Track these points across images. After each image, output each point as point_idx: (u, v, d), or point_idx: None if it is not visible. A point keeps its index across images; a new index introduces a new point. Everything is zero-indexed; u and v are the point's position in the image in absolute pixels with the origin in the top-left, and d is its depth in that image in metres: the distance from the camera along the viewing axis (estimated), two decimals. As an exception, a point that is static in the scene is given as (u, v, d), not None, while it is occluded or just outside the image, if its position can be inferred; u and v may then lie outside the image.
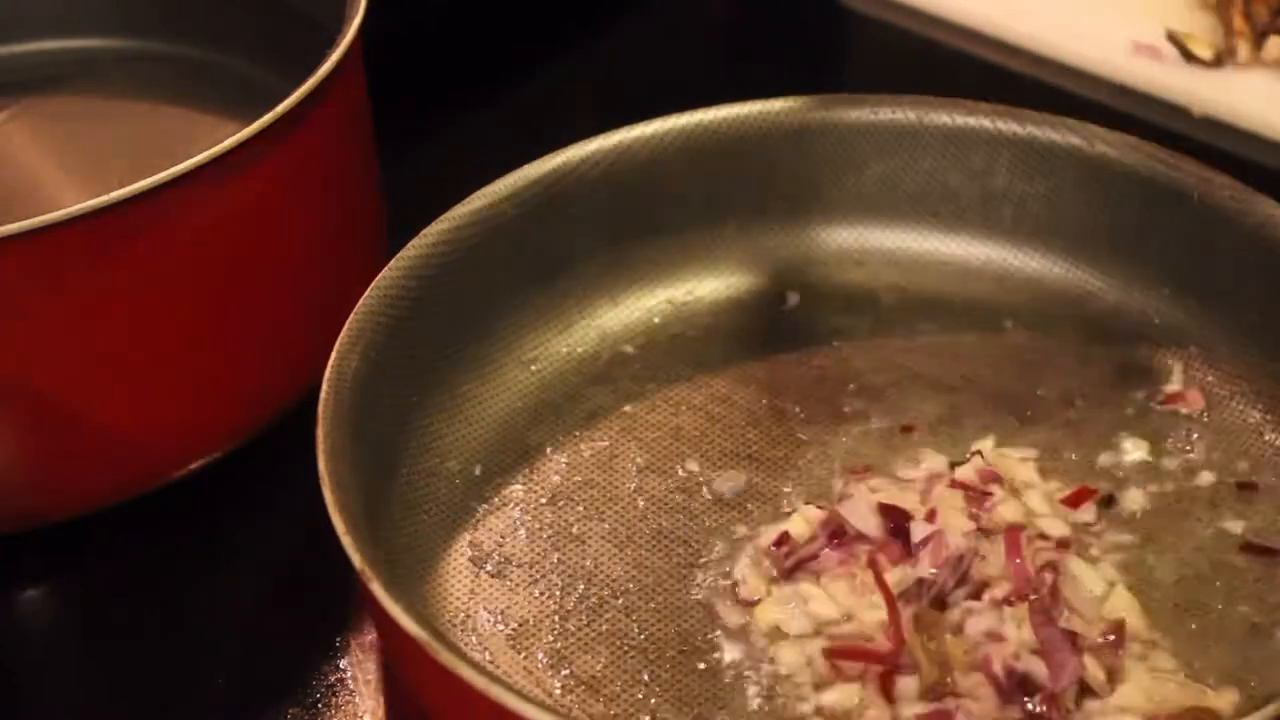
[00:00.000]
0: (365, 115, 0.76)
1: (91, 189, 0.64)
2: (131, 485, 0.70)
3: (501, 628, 0.63)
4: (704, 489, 0.69)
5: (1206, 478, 0.68)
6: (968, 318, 0.76)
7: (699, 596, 0.64)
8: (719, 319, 0.76)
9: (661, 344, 0.75)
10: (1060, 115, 0.75)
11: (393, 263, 0.69)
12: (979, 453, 0.68)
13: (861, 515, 0.65)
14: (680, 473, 0.69)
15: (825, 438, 0.70)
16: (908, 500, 0.65)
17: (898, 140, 0.77)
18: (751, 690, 0.61)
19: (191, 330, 0.68)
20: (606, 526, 0.67)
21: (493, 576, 0.65)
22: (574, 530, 0.67)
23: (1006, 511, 0.65)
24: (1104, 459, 0.69)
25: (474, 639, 0.63)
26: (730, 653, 0.62)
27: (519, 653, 0.63)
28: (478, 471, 0.69)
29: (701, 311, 0.77)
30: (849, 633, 0.62)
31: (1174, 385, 0.71)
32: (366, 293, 0.67)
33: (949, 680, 0.59)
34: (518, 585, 0.65)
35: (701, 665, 0.62)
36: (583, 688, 0.61)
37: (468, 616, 0.64)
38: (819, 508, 0.66)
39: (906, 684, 0.60)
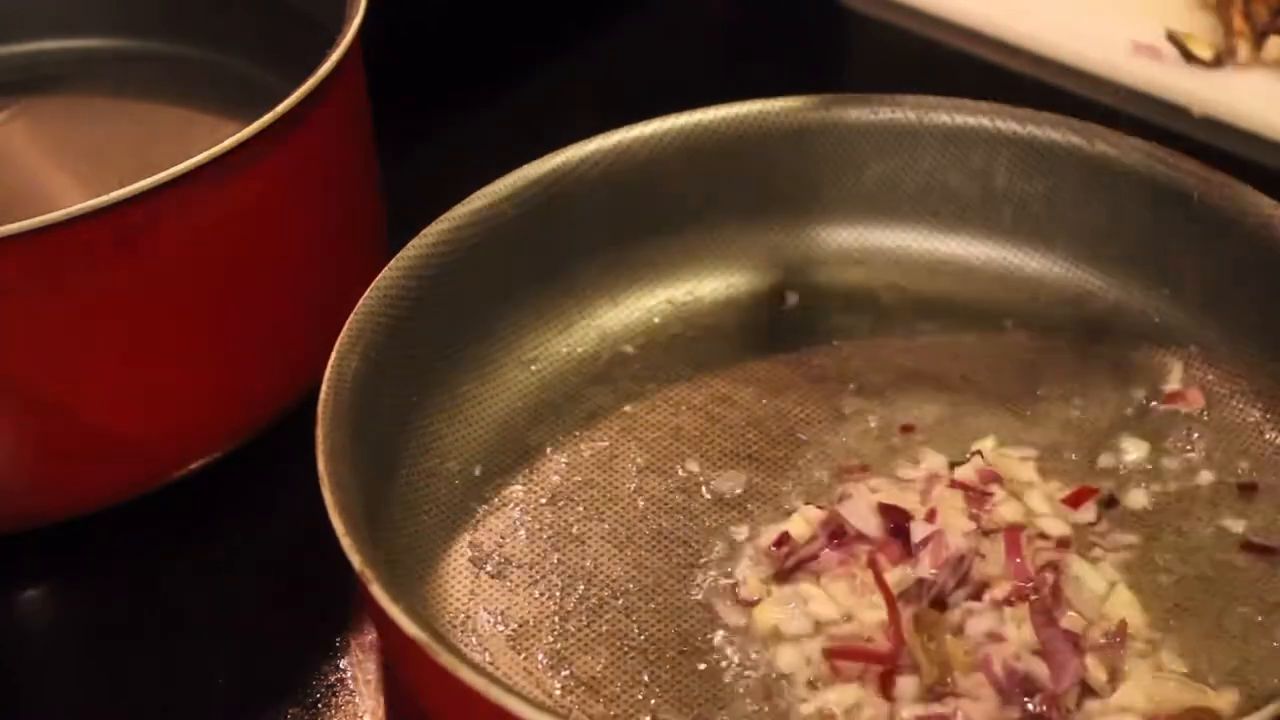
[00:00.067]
0: (365, 115, 0.76)
1: (91, 189, 0.64)
2: (131, 485, 0.70)
3: (501, 628, 0.63)
4: (704, 489, 0.69)
5: (1206, 477, 0.68)
6: (968, 318, 0.76)
7: (699, 596, 0.64)
8: (719, 319, 0.76)
9: (661, 344, 0.75)
10: (1060, 115, 0.75)
11: (393, 263, 0.69)
12: (979, 453, 0.68)
13: (861, 515, 0.65)
14: (680, 473, 0.69)
15: (825, 438, 0.70)
16: (908, 500, 0.65)
17: (898, 140, 0.77)
18: (751, 690, 0.61)
19: (191, 330, 0.68)
20: (606, 527, 0.67)
21: (493, 577, 0.65)
22: (574, 530, 0.67)
23: (1006, 511, 0.65)
24: (1104, 459, 0.69)
25: (474, 640, 0.63)
26: (730, 653, 0.62)
27: (519, 653, 0.63)
28: (478, 472, 0.69)
29: (701, 311, 0.77)
30: (848, 633, 0.62)
31: (1174, 385, 0.71)
32: (366, 293, 0.67)
33: (949, 681, 0.59)
34: (518, 586, 0.65)
35: (701, 666, 0.62)
36: (583, 688, 0.61)
37: (468, 617, 0.64)
38: (819, 508, 0.66)
39: (906, 684, 0.60)
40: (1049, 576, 0.62)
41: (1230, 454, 0.69)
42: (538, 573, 0.66)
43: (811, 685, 0.61)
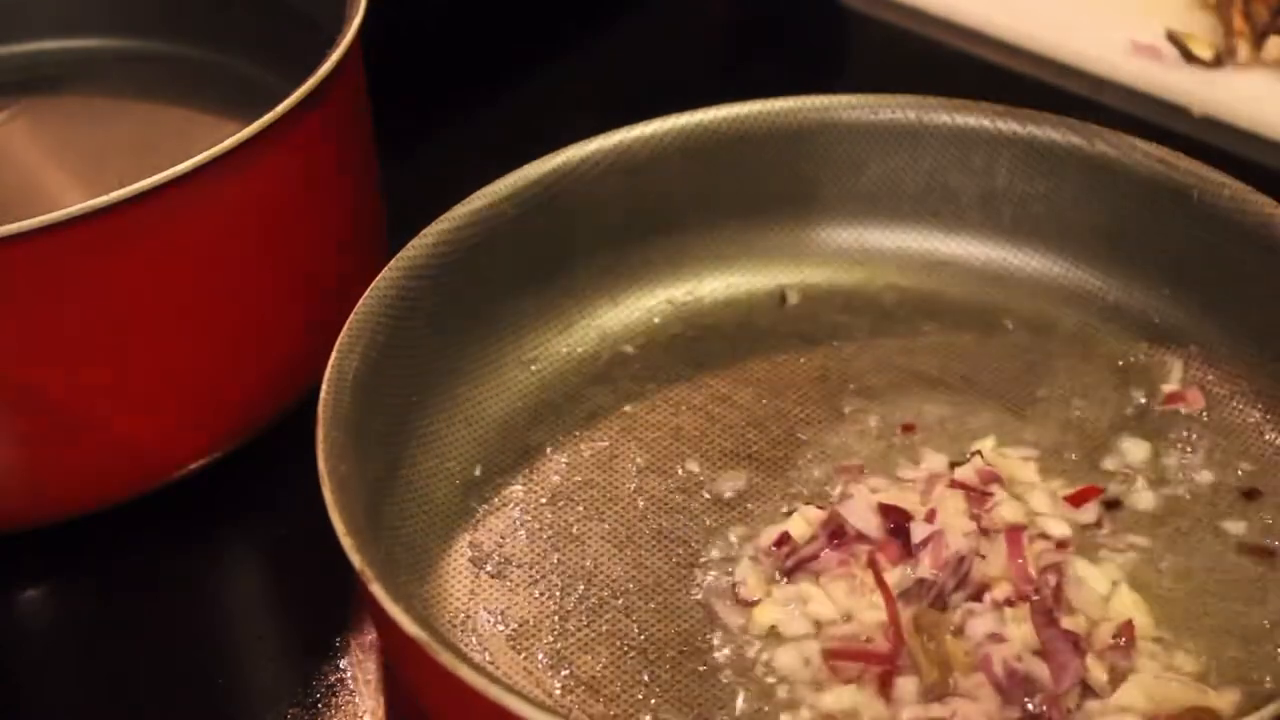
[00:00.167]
0: (365, 115, 0.76)
1: (91, 189, 0.64)
2: (131, 485, 0.70)
3: (501, 628, 0.63)
4: (704, 489, 0.69)
5: (1207, 478, 0.68)
6: (968, 318, 0.76)
7: (699, 596, 0.64)
8: (719, 319, 0.76)
9: (661, 344, 0.75)
10: (1060, 115, 0.75)
11: (393, 263, 0.69)
12: (979, 453, 0.68)
13: (861, 515, 0.65)
14: (680, 473, 0.69)
15: (825, 438, 0.70)
16: (908, 500, 0.65)
17: (898, 140, 0.77)
18: (751, 691, 0.61)
19: (191, 330, 0.68)
20: (606, 526, 0.67)
21: (493, 577, 0.65)
22: (574, 530, 0.67)
23: (1007, 512, 0.65)
24: (1104, 459, 0.69)
25: (474, 639, 0.63)
26: (730, 653, 0.62)
27: (519, 653, 0.63)
28: (478, 471, 0.69)
29: (701, 311, 0.77)
30: (848, 633, 0.62)
31: (1174, 385, 0.71)
32: (366, 293, 0.67)
33: (950, 681, 0.59)
34: (518, 585, 0.65)
35: (701, 666, 0.62)
36: (583, 688, 0.61)
37: (468, 617, 0.64)
38: (819, 508, 0.66)
39: (905, 685, 0.60)
40: (1051, 578, 0.62)
41: (1230, 455, 0.69)
42: (538, 573, 0.66)
43: (811, 686, 0.61)
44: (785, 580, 0.64)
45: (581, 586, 0.65)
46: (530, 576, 0.65)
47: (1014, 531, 0.63)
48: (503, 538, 0.67)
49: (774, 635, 0.62)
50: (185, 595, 0.70)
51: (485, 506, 0.68)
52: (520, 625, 0.63)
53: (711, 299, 0.77)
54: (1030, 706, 0.59)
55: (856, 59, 1.06)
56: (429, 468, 0.68)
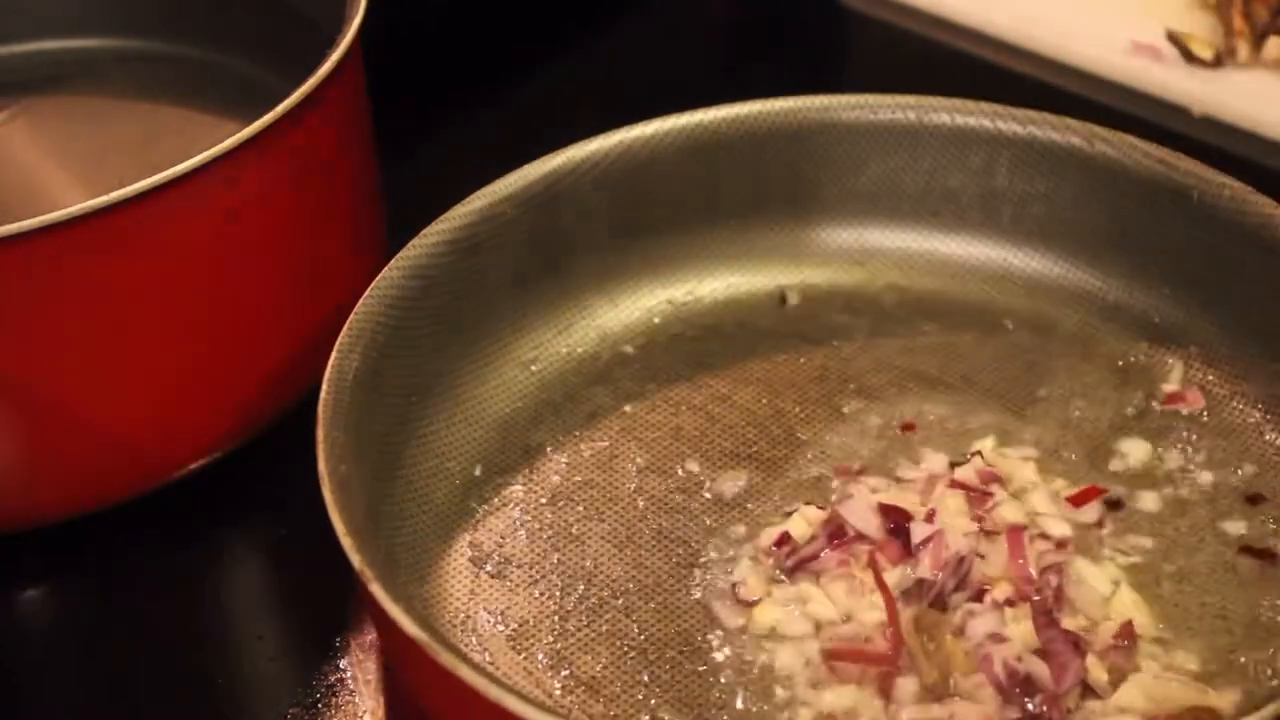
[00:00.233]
0: (365, 115, 0.76)
1: (91, 189, 0.64)
2: (131, 485, 0.70)
3: (501, 628, 0.63)
4: (704, 489, 0.69)
5: (1207, 478, 0.68)
6: (968, 318, 0.76)
7: (699, 596, 0.64)
8: (719, 319, 0.76)
9: (661, 344, 0.75)
10: (1060, 115, 0.75)
11: (393, 263, 0.69)
12: (979, 453, 0.68)
13: (861, 515, 0.65)
14: (680, 473, 0.69)
15: (825, 438, 0.70)
16: (908, 500, 0.65)
17: (898, 140, 0.77)
18: (751, 691, 0.61)
19: (191, 330, 0.68)
20: (606, 526, 0.67)
21: (493, 577, 0.65)
22: (574, 530, 0.67)
23: (1007, 512, 0.65)
24: (1104, 459, 0.69)
25: (474, 640, 0.63)
26: (730, 653, 0.62)
27: (519, 653, 0.63)
28: (478, 472, 0.69)
29: (701, 311, 0.77)
30: (848, 634, 0.62)
31: (1174, 385, 0.71)
32: (366, 293, 0.67)
33: (949, 682, 0.59)
34: (518, 586, 0.65)
35: (701, 666, 0.62)
36: (583, 688, 0.61)
37: (468, 617, 0.64)
38: (819, 508, 0.66)
39: (905, 685, 0.60)
40: (1052, 578, 0.62)
41: (1230, 454, 0.69)
42: (538, 573, 0.66)
43: (811, 686, 0.61)
44: (785, 580, 0.64)
45: (581, 586, 0.65)
46: (530, 576, 0.65)
47: (1015, 531, 0.63)
48: (503, 538, 0.67)
49: (774, 635, 0.62)
50: (185, 595, 0.70)
51: (485, 506, 0.68)
52: (520, 625, 0.63)
53: (711, 299, 0.77)
54: (1030, 707, 0.59)
55: (856, 59, 1.06)
56: (429, 468, 0.68)
